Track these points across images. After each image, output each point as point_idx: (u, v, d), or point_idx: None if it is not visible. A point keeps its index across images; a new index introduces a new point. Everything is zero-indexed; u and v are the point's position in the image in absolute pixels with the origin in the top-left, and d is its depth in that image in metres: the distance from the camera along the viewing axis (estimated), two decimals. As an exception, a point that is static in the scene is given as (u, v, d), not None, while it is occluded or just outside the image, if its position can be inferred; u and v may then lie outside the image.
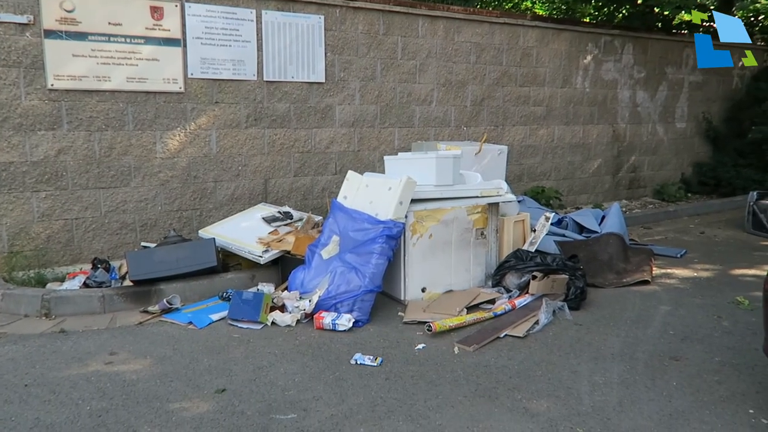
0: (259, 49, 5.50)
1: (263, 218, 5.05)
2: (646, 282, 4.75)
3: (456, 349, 3.45)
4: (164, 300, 4.10)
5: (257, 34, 5.47)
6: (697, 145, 9.62)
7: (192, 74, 5.23)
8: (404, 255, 4.21)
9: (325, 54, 5.88)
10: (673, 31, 9.10)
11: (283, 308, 4.02)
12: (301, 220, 5.05)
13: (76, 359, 3.35)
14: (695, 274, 5.07)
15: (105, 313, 4.17)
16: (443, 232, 4.35)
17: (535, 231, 4.88)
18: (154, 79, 5.08)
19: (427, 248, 4.28)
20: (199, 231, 5.02)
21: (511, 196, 4.75)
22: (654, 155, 9.05)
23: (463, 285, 4.51)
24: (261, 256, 4.53)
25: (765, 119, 8.80)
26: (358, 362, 3.25)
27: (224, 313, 4.02)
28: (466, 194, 4.51)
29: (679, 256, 5.61)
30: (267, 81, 5.60)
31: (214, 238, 4.58)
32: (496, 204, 4.66)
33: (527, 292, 4.26)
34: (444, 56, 6.68)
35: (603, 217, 5.67)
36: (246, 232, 4.88)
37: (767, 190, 7.03)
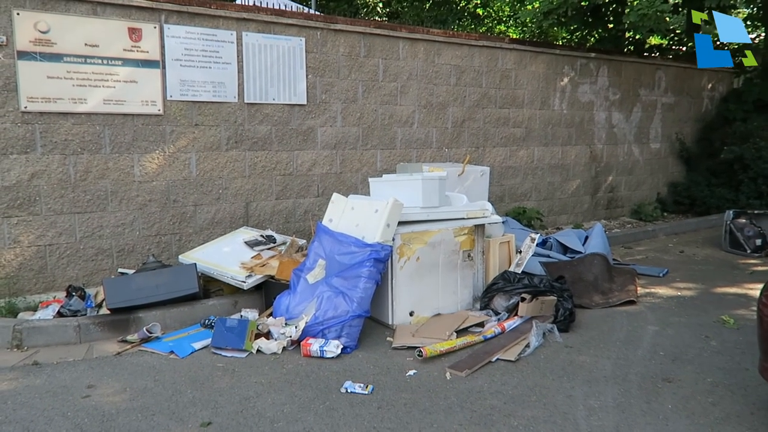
0: (240, 71, 5.44)
1: (246, 242, 4.94)
2: (631, 302, 4.75)
3: (448, 375, 3.38)
4: (143, 329, 3.95)
5: (238, 56, 5.42)
6: (671, 165, 9.80)
7: (171, 96, 5.13)
8: (391, 278, 4.14)
9: (307, 76, 5.85)
10: (645, 54, 9.31)
11: (268, 335, 3.90)
12: (284, 243, 4.95)
13: (50, 393, 3.19)
14: (678, 293, 5.10)
15: (81, 343, 3.99)
16: (430, 255, 4.30)
17: (521, 252, 4.86)
18: (132, 101, 4.98)
19: (414, 271, 4.22)
20: (179, 256, 4.89)
21: (497, 218, 4.74)
22: (630, 175, 9.18)
23: (451, 308, 4.45)
24: (244, 282, 4.41)
25: (735, 139, 9.02)
26: (349, 390, 3.15)
27: (207, 342, 3.89)
28: (452, 216, 4.48)
29: (661, 275, 5.65)
30: (248, 103, 5.54)
31: (195, 264, 4.45)
32: (482, 225, 4.64)
33: (516, 315, 4.22)
34: (425, 78, 6.71)
35: (586, 238, 5.69)
36: (228, 256, 4.76)
37: (742, 209, 7.17)
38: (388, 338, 4.00)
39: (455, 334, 3.94)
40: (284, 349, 3.76)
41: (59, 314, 4.31)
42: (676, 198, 9.60)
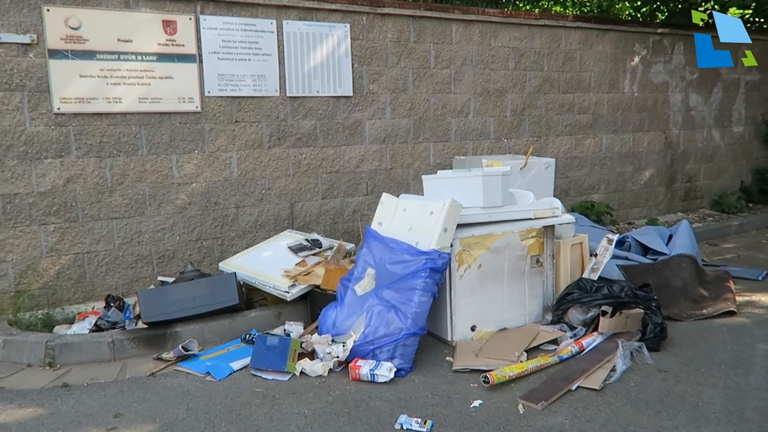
0: (281, 62, 5.06)
1: (289, 247, 4.56)
2: (731, 313, 4.09)
3: (520, 407, 2.87)
4: (179, 346, 3.62)
5: (278, 47, 5.03)
6: (756, 150, 8.85)
7: (209, 92, 4.80)
8: (450, 289, 3.66)
9: (352, 65, 5.40)
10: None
11: (312, 354, 3.50)
12: (331, 248, 4.55)
13: (75, 423, 2.88)
14: (786, 301, 4.40)
15: (115, 360, 3.71)
16: (494, 262, 3.79)
17: (596, 256, 4.28)
18: (169, 98, 4.66)
19: (476, 280, 3.73)
20: (220, 264, 4.55)
21: (569, 217, 4.17)
22: (710, 163, 8.32)
23: (518, 321, 3.93)
24: (287, 292, 4.03)
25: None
26: (405, 427, 2.70)
27: (247, 360, 3.52)
28: (517, 216, 3.95)
29: (760, 278, 4.93)
30: (290, 97, 5.15)
31: (235, 273, 4.10)
32: (552, 226, 4.09)
33: (595, 330, 3.66)
34: (480, 63, 6.15)
35: (670, 236, 5.03)
36: (270, 263, 4.39)
37: None
38: (447, 358, 3.52)
39: (525, 354, 3.43)
40: (330, 371, 3.35)
41: (96, 327, 4.06)
42: (763, 186, 8.66)
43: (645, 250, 4.99)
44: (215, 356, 3.66)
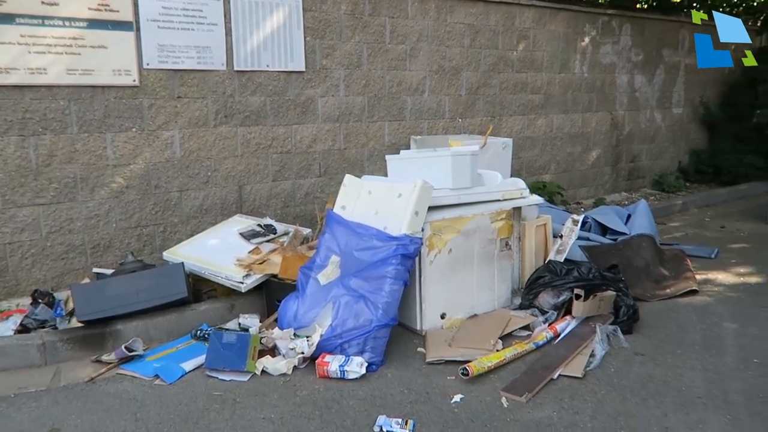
0: (228, 33, 4.65)
1: (241, 234, 4.23)
2: (693, 292, 4.11)
3: (504, 401, 2.72)
4: (122, 347, 3.24)
5: (225, 16, 4.61)
6: (693, 132, 9.13)
7: (148, 64, 4.34)
8: (420, 276, 3.46)
9: (305, 38, 5.06)
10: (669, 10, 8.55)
11: (274, 351, 3.22)
12: (287, 234, 4.24)
13: (3, 442, 2.50)
14: (742, 279, 4.46)
15: (46, 365, 3.29)
16: (464, 246, 3.61)
17: (561, 237, 4.19)
18: (102, 70, 4.18)
19: (446, 266, 3.54)
20: (164, 253, 4.16)
21: (537, 198, 4.05)
22: (652, 143, 8.51)
23: (488, 306, 3.78)
24: (242, 283, 3.71)
25: (765, 102, 8.33)
26: (384, 429, 2.48)
27: (200, 360, 3.20)
28: (486, 198, 3.78)
29: (712, 256, 5.01)
30: (238, 71, 4.76)
31: (182, 263, 3.74)
32: (519, 208, 3.95)
33: (567, 314, 3.56)
34: (436, 39, 5.93)
35: (628, 216, 5.02)
36: (221, 251, 4.05)
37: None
38: (419, 348, 3.33)
39: (500, 341, 3.28)
40: (295, 368, 3.09)
41: (23, 327, 3.60)
42: (699, 167, 8.95)
43: (604, 230, 4.97)
44: (163, 356, 3.32)
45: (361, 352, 3.06)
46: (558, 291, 3.61)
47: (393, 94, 5.73)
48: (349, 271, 3.33)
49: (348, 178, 3.67)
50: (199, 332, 3.51)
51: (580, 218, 4.18)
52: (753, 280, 4.42)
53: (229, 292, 3.92)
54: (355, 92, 5.47)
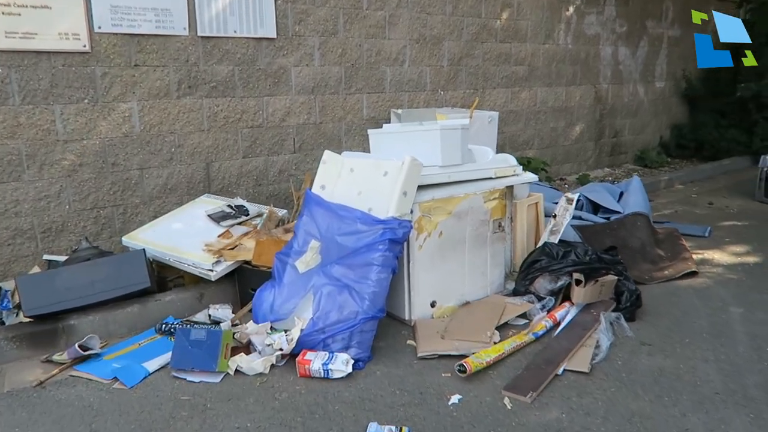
0: (190, -7, 4.21)
1: (209, 216, 3.86)
2: (692, 273, 3.90)
3: (507, 401, 2.45)
4: (75, 345, 2.88)
5: (186, -26, 4.17)
6: (674, 106, 8.98)
7: (99, 27, 3.89)
8: (408, 262, 3.16)
9: (275, 1, 4.63)
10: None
11: (248, 348, 2.89)
12: (260, 216, 3.89)
13: (-69, 464, 2.14)
14: (739, 259, 4.28)
15: (-11, 367, 2.91)
16: (456, 228, 3.32)
17: (555, 217, 3.93)
18: (46, 34, 3.72)
19: (436, 250, 3.24)
20: (123, 238, 3.77)
21: (531, 175, 3.77)
22: (634, 118, 8.32)
23: (480, 293, 3.51)
24: (211, 270, 3.36)
25: (748, 76, 8.19)
26: (377, 439, 2.20)
27: (165, 358, 2.86)
28: (478, 176, 3.49)
29: (706, 234, 4.83)
30: (202, 36, 4.32)
31: (143, 250, 3.36)
32: (511, 187, 3.67)
33: (566, 300, 3.31)
34: (417, 6, 5.55)
35: (621, 194, 4.79)
36: (187, 235, 3.68)
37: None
38: (409, 341, 3.04)
39: (497, 332, 3.01)
40: (272, 366, 2.77)
41: (-37, 323, 3.21)
42: (680, 141, 8.83)
43: (596, 208, 4.73)
44: (124, 354, 2.96)
45: (346, 348, 2.76)
46: (555, 276, 3.35)
47: (371, 65, 5.36)
48: (331, 258, 3.00)
49: (327, 155, 3.32)
50: (164, 326, 3.16)
51: (575, 197, 3.92)
52: (751, 260, 4.24)
53: (198, 280, 3.57)
54: (331, 62, 5.09)
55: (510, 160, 3.78)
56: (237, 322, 3.25)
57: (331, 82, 5.12)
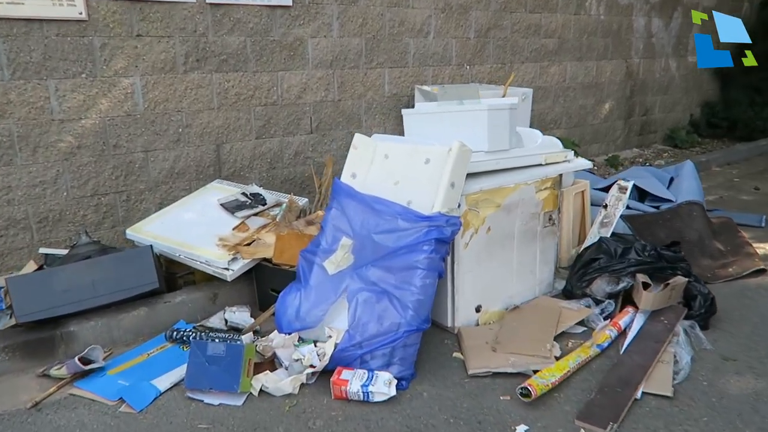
0: (197, -46, 3.75)
1: (222, 205, 3.46)
2: (761, 271, 3.51)
3: (583, 435, 2.09)
4: (75, 358, 2.51)
5: (193, -68, 3.71)
6: (705, 82, 8.48)
7: (97, -8, 3.45)
8: (453, 262, 2.77)
9: (292, -36, 4.17)
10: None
11: (273, 362, 2.52)
12: (279, 205, 3.49)
13: None
14: (807, 251, 3.89)
15: (-23, 382, 2.55)
16: (504, 223, 2.93)
17: (606, 207, 3.53)
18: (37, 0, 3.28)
19: (483, 248, 2.86)
20: (127, 231, 3.37)
21: (585, 162, 3.37)
22: (665, 95, 7.84)
23: (528, 294, 3.14)
24: (227, 269, 2.98)
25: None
26: (436, 487, 1.84)
27: (178, 373, 2.50)
28: (526, 162, 3.08)
29: (762, 224, 4.43)
30: (211, 3, 3.88)
31: (151, 246, 2.98)
32: (560, 175, 3.27)
33: (628, 304, 2.93)
34: (444, -29, 5.08)
35: (671, 180, 4.38)
36: (198, 228, 3.29)
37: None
38: (454, 354, 2.67)
39: (556, 344, 2.64)
40: (302, 385, 2.40)
41: (-51, 326, 2.84)
42: (711, 120, 8.36)
43: (642, 195, 4.33)
44: (130, 367, 2.60)
45: (387, 365, 2.39)
46: (616, 277, 2.96)
47: (394, 36, 4.90)
48: (366, 259, 2.62)
49: (358, 139, 2.91)
50: (175, 333, 2.79)
51: (629, 184, 3.52)
52: (821, 254, 3.85)
53: (209, 277, 3.19)
54: (351, 32, 4.63)
55: (558, 143, 3.37)
56: (257, 327, 2.88)
57: (350, 55, 4.67)
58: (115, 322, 2.85)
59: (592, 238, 3.49)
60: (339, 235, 2.73)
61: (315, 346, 2.52)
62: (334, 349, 2.40)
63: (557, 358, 2.52)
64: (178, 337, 2.77)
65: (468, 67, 5.51)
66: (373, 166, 2.85)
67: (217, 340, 2.49)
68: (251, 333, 2.60)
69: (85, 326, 2.78)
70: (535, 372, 2.41)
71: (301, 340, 2.56)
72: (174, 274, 3.36)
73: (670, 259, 3.12)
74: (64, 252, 3.19)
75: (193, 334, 2.74)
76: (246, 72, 4.16)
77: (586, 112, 6.81)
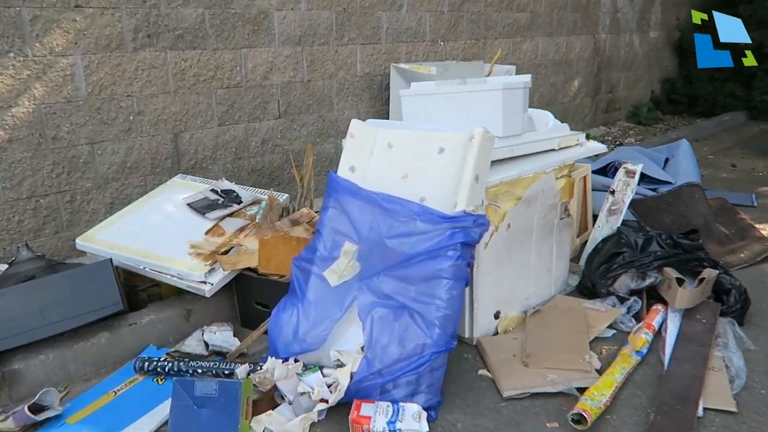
0: None
1: (190, 205, 2.98)
2: (774, 256, 3.36)
3: (655, 468, 1.80)
4: (24, 407, 2.02)
5: None
6: (666, 58, 8.45)
7: (24, -47, 2.86)
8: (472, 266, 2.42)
9: (253, -75, 3.67)
10: None
11: (273, 398, 2.11)
12: (257, 203, 3.04)
13: None
14: (809, 232, 3.77)
15: None
16: (524, 217, 2.60)
17: (613, 193, 3.27)
18: (-53, -41, 2.67)
19: (503, 248, 2.52)
20: (78, 241, 2.84)
21: (598, 145, 3.08)
22: (629, 71, 7.74)
23: (544, 293, 2.84)
24: (204, 283, 2.53)
25: (748, 25, 7.67)
26: None
27: (156, 417, 2.06)
28: (540, 148, 2.76)
29: (755, 204, 4.31)
30: (162, -31, 3.34)
31: (110, 260, 2.48)
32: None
33: (656, 302, 2.67)
34: (417, -63, 4.66)
35: (666, 160, 4.19)
36: (164, 233, 2.81)
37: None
38: (480, 371, 2.34)
39: (594, 355, 2.34)
40: (312, 424, 2.01)
41: None
42: (672, 96, 8.35)
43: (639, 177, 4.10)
44: (94, 411, 2.13)
45: (412, 395, 2.03)
46: (642, 272, 2.70)
47: (365, 9, 4.47)
48: (375, 267, 2.23)
49: (356, 126, 2.50)
50: (146, 364, 2.33)
51: (638, 168, 3.26)
52: (822, 233, 3.73)
53: (178, 290, 2.72)
54: (320, 5, 4.17)
55: (566, 126, 3.08)
56: (245, 350, 2.46)
57: (320, 30, 4.22)
58: (71, 353, 2.36)
59: (599, 227, 3.22)
60: (340, 239, 2.33)
61: (322, 373, 2.12)
62: (351, 380, 2.02)
63: (598, 372, 2.23)
64: (150, 368, 2.32)
65: (442, 43, 5.15)
66: (374, 157, 2.45)
67: (204, 375, 2.06)
68: (246, 364, 2.16)
69: (32, 362, 2.28)
70: (579, 390, 2.10)
71: (305, 368, 2.16)
72: (135, 287, 2.87)
73: (687, 248, 2.89)
74: (0, 271, 2.64)
75: (169, 364, 2.29)
76: (205, 50, 3.64)
77: (557, 90, 6.59)
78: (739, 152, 6.08)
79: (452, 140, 2.27)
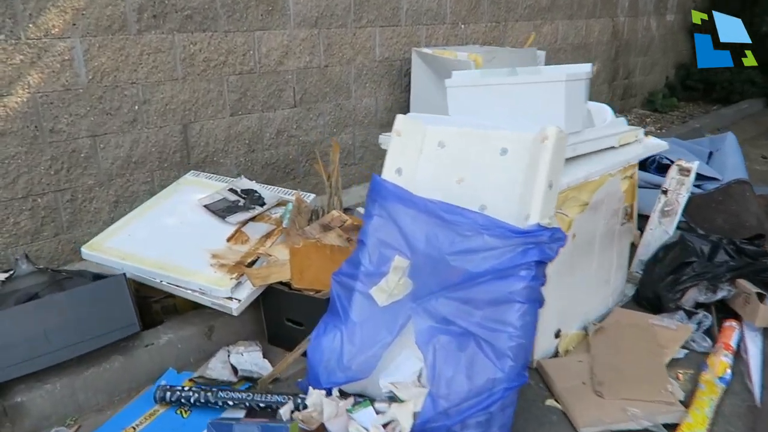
0: None
1: (207, 207, 2.67)
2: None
3: None
4: (32, 453, 1.73)
5: None
6: (681, 42, 8.16)
7: None
8: (535, 281, 2.15)
9: None
10: None
11: (321, 436, 1.84)
12: (282, 204, 2.74)
13: None
14: None
15: None
16: (589, 225, 2.33)
17: (666, 193, 3.00)
18: (-73, -74, 2.31)
19: (567, 260, 2.25)
20: (83, 249, 2.52)
21: (659, 142, 2.80)
22: (645, 56, 7.45)
23: (601, 307, 2.58)
24: (231, 299, 2.24)
25: (766, 7, 7.42)
26: None
27: (184, 460, 1.78)
28: (600, 146, 2.47)
29: (799, 200, 4.06)
30: (170, -59, 2.99)
31: (124, 275, 2.18)
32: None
33: (727, 318, 2.43)
34: None
35: (710, 154, 3.93)
36: (180, 240, 2.51)
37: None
38: (548, 402, 2.08)
39: (676, 383, 2.09)
40: (369, 470, 1.75)
41: None
42: (687, 82, 8.08)
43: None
44: (112, 453, 1.85)
45: (483, 437, 1.76)
46: (714, 285, 2.45)
47: (386, -12, 4.14)
48: (429, 286, 1.95)
49: (402, 121, 2.20)
50: (168, 394, 2.04)
51: (693, 165, 2.99)
52: None
53: (196, 305, 2.43)
54: (339, -17, 3.84)
55: (622, 120, 2.80)
56: (277, 376, 2.18)
57: (337, 10, 3.88)
58: (80, 381, 2.07)
59: (652, 229, 2.96)
60: (388, 252, 2.04)
61: (374, 409, 1.85)
62: (414, 420, 1.74)
63: (682, 402, 1.98)
64: (173, 398, 2.03)
65: (462, 26, 4.83)
66: (423, 157, 2.16)
67: (236, 407, 1.78)
68: (290, 402, 1.88)
69: (38, 393, 1.99)
70: (665, 426, 1.85)
71: (357, 403, 1.88)
72: (147, 298, 2.58)
73: (752, 254, 2.64)
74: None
75: (194, 394, 2.01)
76: (216, 32, 3.31)
77: (575, 75, 6.30)
78: (765, 142, 5.83)
79: (518, 140, 1.98)
